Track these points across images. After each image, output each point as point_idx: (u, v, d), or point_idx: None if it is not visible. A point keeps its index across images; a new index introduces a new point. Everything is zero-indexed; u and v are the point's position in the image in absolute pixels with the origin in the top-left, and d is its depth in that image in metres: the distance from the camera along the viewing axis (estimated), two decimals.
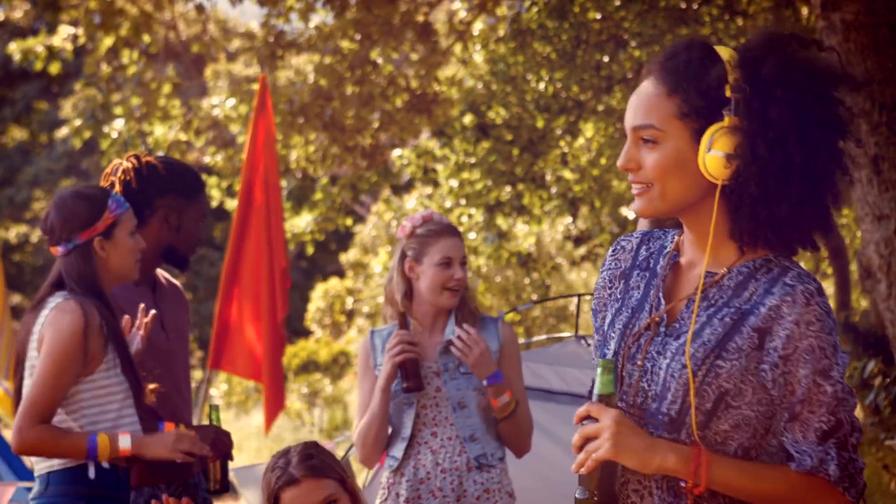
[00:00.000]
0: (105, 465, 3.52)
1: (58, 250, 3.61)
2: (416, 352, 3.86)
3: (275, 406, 7.58)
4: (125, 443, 3.48)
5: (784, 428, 2.18)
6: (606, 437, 2.10)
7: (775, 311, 2.15)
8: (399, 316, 3.92)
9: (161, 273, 4.13)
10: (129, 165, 3.92)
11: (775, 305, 2.15)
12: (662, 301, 2.28)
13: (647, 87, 2.24)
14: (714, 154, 2.15)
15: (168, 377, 3.91)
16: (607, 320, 2.36)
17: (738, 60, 2.18)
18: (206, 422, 4.03)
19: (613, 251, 2.42)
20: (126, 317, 3.75)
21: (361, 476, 7.40)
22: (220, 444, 3.83)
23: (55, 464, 3.53)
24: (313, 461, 3.12)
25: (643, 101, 2.23)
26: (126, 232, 3.66)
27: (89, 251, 3.59)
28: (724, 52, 2.20)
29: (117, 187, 3.89)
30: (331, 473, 3.12)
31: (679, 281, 2.31)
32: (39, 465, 3.60)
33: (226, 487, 3.87)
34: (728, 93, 2.16)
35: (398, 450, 3.97)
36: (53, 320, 3.50)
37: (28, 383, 3.54)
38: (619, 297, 2.37)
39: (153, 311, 3.78)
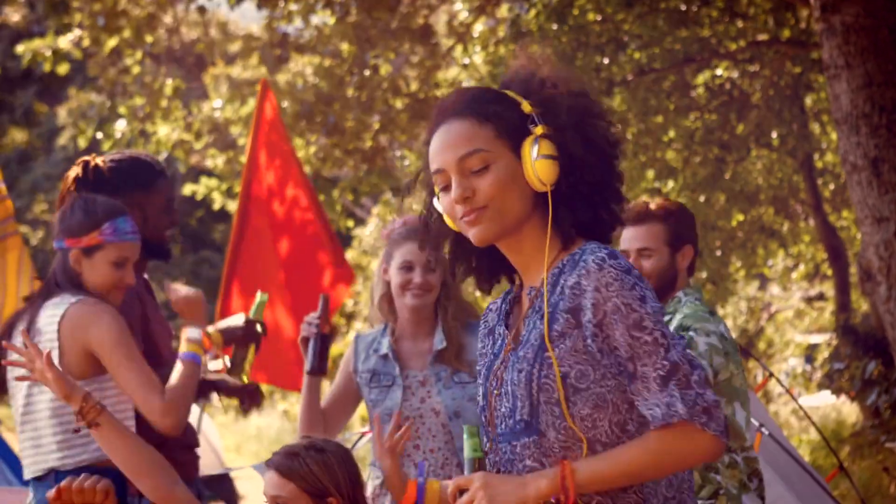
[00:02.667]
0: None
1: (55, 243, 3.65)
2: (312, 332, 3.85)
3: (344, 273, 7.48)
4: (193, 333, 3.65)
5: (632, 392, 2.23)
6: (480, 498, 2.20)
7: (577, 288, 2.23)
8: (322, 299, 3.94)
9: (146, 281, 4.11)
10: (73, 175, 3.87)
11: (575, 283, 2.24)
12: (505, 332, 2.40)
13: (453, 126, 2.33)
14: (543, 158, 2.27)
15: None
16: (483, 370, 2.47)
17: (518, 86, 2.35)
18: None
19: (484, 316, 2.54)
20: None
21: None
22: (251, 330, 3.94)
23: (76, 461, 3.52)
24: (292, 461, 3.11)
25: (458, 136, 2.32)
26: (107, 260, 3.61)
27: (67, 259, 3.61)
28: (510, 93, 2.36)
29: (67, 198, 3.85)
30: (297, 480, 3.08)
31: (518, 309, 2.43)
32: (36, 466, 3.58)
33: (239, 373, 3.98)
34: (527, 108, 2.31)
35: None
36: (88, 321, 3.50)
37: (42, 387, 3.53)
38: (486, 352, 2.48)
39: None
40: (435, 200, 2.40)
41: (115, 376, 3.50)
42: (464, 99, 2.35)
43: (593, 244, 2.28)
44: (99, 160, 3.91)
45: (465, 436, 2.26)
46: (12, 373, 3.58)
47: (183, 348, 3.63)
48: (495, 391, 2.35)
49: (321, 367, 3.86)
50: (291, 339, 7.40)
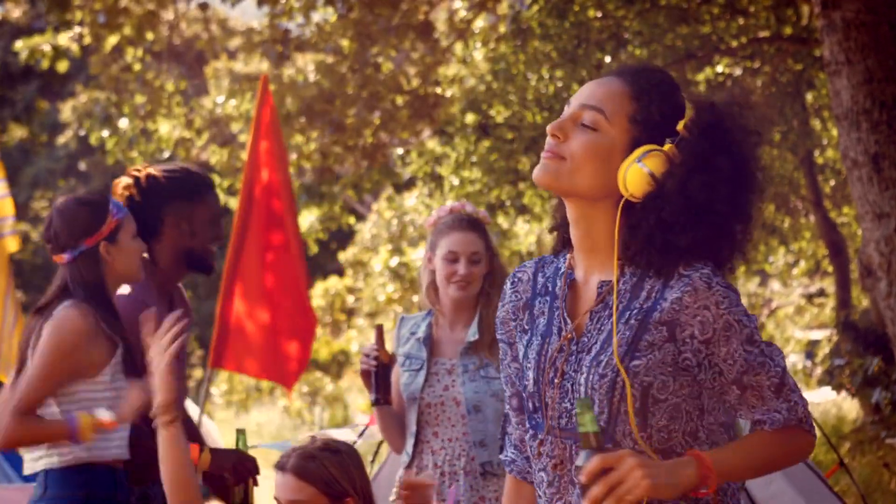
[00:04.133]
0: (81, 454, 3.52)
1: (63, 258, 3.61)
2: (370, 364, 3.84)
3: (294, 364, 7.51)
4: (104, 413, 3.48)
5: (739, 402, 2.26)
6: (640, 477, 2.06)
7: (678, 304, 2.20)
8: (376, 329, 3.90)
9: (181, 290, 4.13)
10: (130, 181, 3.92)
11: (677, 298, 2.21)
12: (568, 320, 2.31)
13: (613, 81, 2.29)
14: (641, 167, 2.21)
15: (183, 390, 3.92)
16: (521, 352, 2.39)
17: (702, 104, 2.27)
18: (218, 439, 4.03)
19: (512, 284, 2.44)
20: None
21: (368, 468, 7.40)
22: (242, 469, 3.82)
23: (65, 460, 3.53)
24: (309, 463, 3.10)
25: (603, 90, 2.28)
26: (129, 235, 3.67)
27: (95, 256, 3.59)
28: (688, 99, 2.30)
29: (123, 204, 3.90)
30: (316, 482, 3.08)
31: (578, 297, 2.34)
32: (32, 464, 3.59)
33: None
34: (680, 127, 2.24)
35: (409, 445, 3.96)
36: (55, 322, 3.52)
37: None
38: (526, 327, 2.39)
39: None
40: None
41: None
42: (648, 73, 2.31)
43: (696, 266, 2.23)
44: (151, 169, 3.95)
45: (577, 409, 2.09)
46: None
47: (80, 418, 3.46)
48: (555, 380, 2.29)
49: (386, 399, 3.87)
50: (282, 333, 7.43)
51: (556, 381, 2.28)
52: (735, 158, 2.24)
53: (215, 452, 3.81)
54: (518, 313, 2.41)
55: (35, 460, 3.60)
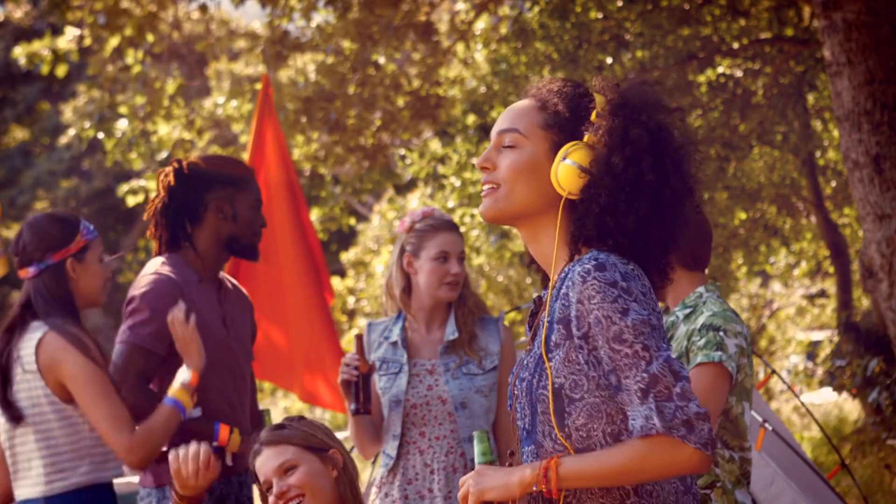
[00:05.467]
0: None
1: (28, 271, 3.61)
2: (352, 374, 3.84)
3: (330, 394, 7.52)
4: (184, 375, 3.60)
5: (620, 403, 2.25)
6: (469, 485, 2.27)
7: (565, 300, 2.26)
8: (356, 339, 3.91)
9: (228, 277, 4.15)
10: (171, 169, 3.95)
11: (564, 294, 2.27)
12: (528, 335, 2.43)
13: (520, 102, 2.41)
14: (568, 163, 2.28)
15: (226, 372, 3.92)
16: None
17: (608, 89, 2.34)
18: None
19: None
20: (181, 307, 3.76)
21: (365, 474, 7.41)
22: None
23: (65, 484, 3.52)
24: (280, 431, 3.13)
25: (514, 111, 2.39)
26: (96, 257, 3.68)
27: (62, 272, 3.60)
28: (597, 93, 2.35)
29: (162, 193, 3.92)
30: (294, 440, 3.09)
31: (542, 311, 2.42)
32: (40, 488, 3.56)
33: None
34: (593, 117, 2.32)
35: (391, 448, 3.97)
36: (57, 354, 3.50)
37: (32, 412, 3.54)
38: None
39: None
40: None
41: (84, 412, 3.51)
42: (549, 84, 2.40)
43: (590, 254, 2.28)
44: (194, 158, 4.00)
45: (475, 441, 2.34)
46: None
47: (171, 391, 3.60)
48: (516, 392, 2.39)
49: (366, 408, 3.87)
50: (285, 337, 7.43)
51: (516, 391, 2.39)
52: (649, 128, 2.28)
53: (245, 434, 3.84)
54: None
55: (31, 486, 3.57)
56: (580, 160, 2.28)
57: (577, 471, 2.21)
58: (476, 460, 2.36)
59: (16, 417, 3.55)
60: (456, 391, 3.92)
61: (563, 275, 2.31)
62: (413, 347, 4.02)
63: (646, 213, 2.26)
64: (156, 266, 3.88)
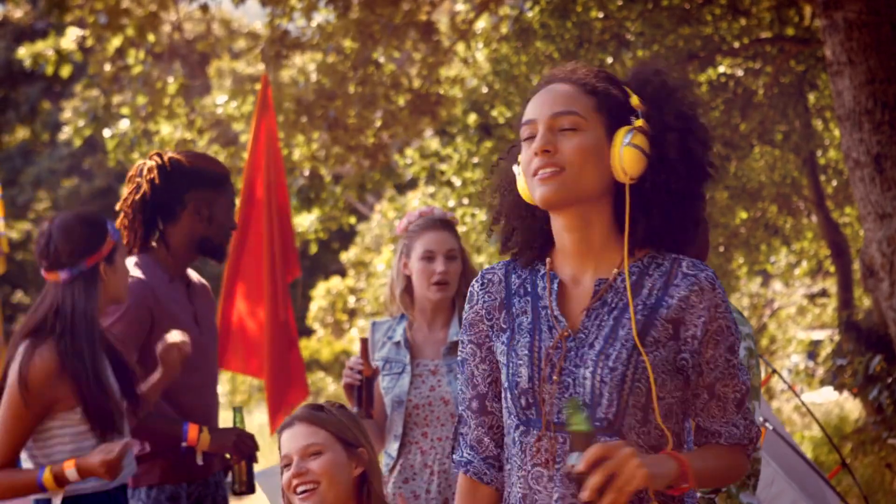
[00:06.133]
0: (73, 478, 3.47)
1: (59, 276, 3.51)
2: (355, 378, 3.82)
3: (284, 404, 7.58)
4: (71, 473, 3.39)
5: (703, 409, 2.31)
6: (636, 466, 2.07)
7: (685, 302, 2.25)
8: (361, 342, 3.89)
9: (190, 271, 4.15)
10: (154, 164, 3.92)
11: (684, 296, 2.26)
12: (562, 318, 2.32)
13: (560, 86, 2.34)
14: (633, 147, 2.26)
15: (198, 371, 3.92)
16: (500, 350, 2.40)
17: (636, 76, 2.38)
18: (230, 423, 4.03)
19: (483, 285, 2.45)
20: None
21: None
22: (243, 446, 3.83)
23: (69, 493, 3.50)
24: (318, 412, 3.06)
25: (560, 95, 2.32)
26: (122, 257, 3.64)
27: (95, 277, 3.53)
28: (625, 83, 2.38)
29: (144, 186, 3.90)
30: (328, 426, 3.03)
31: (567, 296, 2.36)
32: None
33: (251, 489, 3.88)
34: (635, 102, 2.31)
35: (392, 448, 3.97)
36: (13, 365, 3.45)
37: None
38: (504, 326, 2.40)
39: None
40: (515, 166, 2.40)
41: None
42: (576, 71, 2.38)
43: (687, 258, 2.31)
44: (174, 154, 3.96)
45: (567, 409, 2.12)
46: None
47: (49, 470, 3.40)
48: (553, 376, 2.29)
49: (369, 412, 3.85)
50: (258, 333, 7.45)
51: (553, 377, 2.29)
52: (679, 114, 2.32)
53: (215, 432, 3.82)
54: (493, 313, 2.43)
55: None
56: (641, 143, 2.26)
57: (698, 470, 2.22)
58: (573, 429, 2.10)
59: None
60: (458, 392, 3.92)
61: (638, 266, 2.31)
62: (416, 348, 4.02)
63: (696, 197, 2.32)
64: (128, 268, 3.84)
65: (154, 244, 3.97)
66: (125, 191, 4.00)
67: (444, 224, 4.03)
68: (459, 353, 2.49)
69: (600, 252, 2.33)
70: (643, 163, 2.26)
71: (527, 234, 2.42)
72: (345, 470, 3.03)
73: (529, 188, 2.33)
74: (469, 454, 2.48)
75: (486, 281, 2.46)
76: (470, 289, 2.48)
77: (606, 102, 2.30)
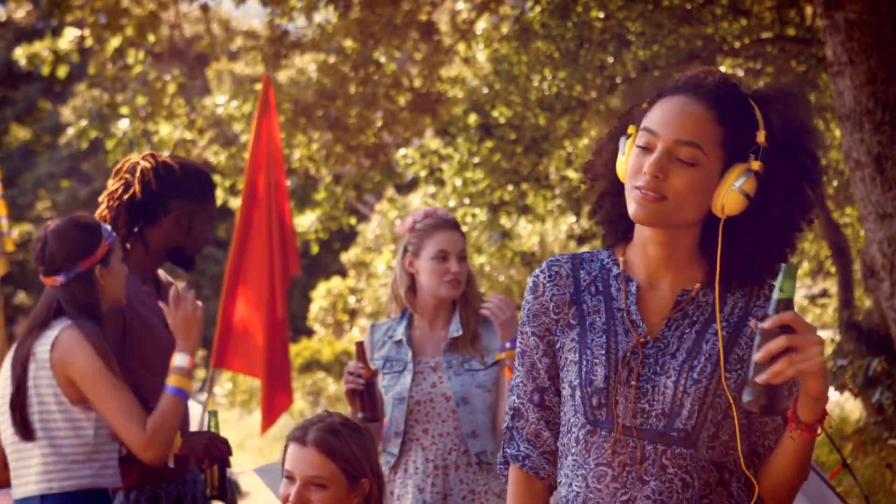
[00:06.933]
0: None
1: (56, 280, 3.60)
2: (358, 383, 3.81)
3: (274, 407, 7.59)
4: (181, 360, 3.61)
5: (772, 431, 2.30)
6: (817, 353, 2.06)
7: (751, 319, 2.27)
8: (356, 346, 3.88)
9: (162, 274, 4.14)
10: (148, 165, 3.92)
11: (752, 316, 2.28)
12: (642, 323, 2.32)
13: (695, 106, 2.27)
14: (740, 192, 2.24)
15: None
16: (565, 346, 2.38)
17: (771, 114, 2.29)
18: (205, 425, 4.02)
19: (550, 277, 2.42)
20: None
21: None
22: (214, 450, 3.82)
23: (65, 485, 3.52)
24: (332, 439, 3.02)
25: (691, 119, 2.26)
26: (118, 258, 3.68)
27: (90, 279, 3.59)
28: (759, 115, 2.30)
29: (136, 186, 3.90)
30: (339, 460, 3.00)
31: (644, 301, 2.36)
32: (25, 488, 3.57)
33: (223, 494, 3.86)
34: (761, 139, 2.26)
35: (394, 446, 3.98)
36: (72, 350, 3.50)
37: (38, 409, 3.54)
38: (573, 322, 2.38)
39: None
40: (622, 140, 2.36)
41: (97, 408, 3.52)
42: (719, 87, 2.30)
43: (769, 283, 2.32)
44: (167, 158, 3.96)
45: (781, 276, 2.09)
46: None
47: (169, 379, 3.59)
48: (631, 380, 2.28)
49: (375, 415, 3.84)
50: (259, 333, 7.46)
51: (632, 381, 2.29)
52: (805, 167, 2.28)
53: (186, 435, 3.81)
54: (562, 308, 2.40)
55: (29, 484, 3.58)
56: (750, 189, 2.24)
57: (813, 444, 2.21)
58: (778, 296, 2.09)
59: (26, 435, 3.56)
60: (458, 387, 3.94)
61: (739, 293, 2.32)
62: (417, 345, 4.04)
63: (784, 245, 2.30)
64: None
65: (128, 245, 3.96)
66: (111, 183, 3.98)
67: (455, 224, 4.06)
68: (518, 344, 2.45)
69: (681, 265, 2.34)
70: (744, 206, 2.25)
71: (613, 214, 2.40)
72: (342, 502, 3.03)
73: (627, 193, 2.31)
74: (526, 448, 2.45)
75: (553, 273, 2.42)
76: (534, 279, 2.43)
77: (733, 137, 2.26)
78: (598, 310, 2.36)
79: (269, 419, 7.63)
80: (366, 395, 3.82)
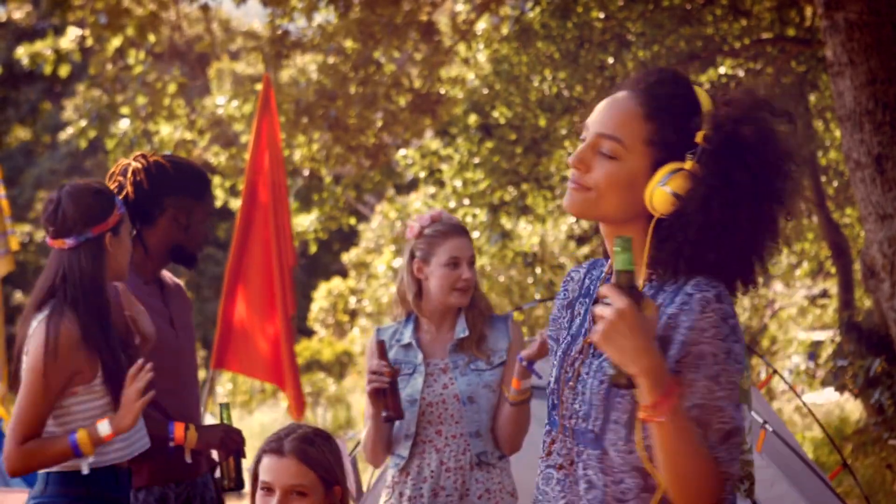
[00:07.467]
0: (87, 459, 3.49)
1: (65, 243, 3.54)
2: (383, 381, 3.80)
3: (299, 402, 7.61)
4: (104, 428, 3.42)
5: None
6: (600, 326, 2.07)
7: (674, 320, 2.18)
8: (378, 344, 3.88)
9: (164, 272, 4.14)
10: (139, 165, 3.91)
11: (674, 314, 2.18)
12: (588, 316, 2.33)
13: (626, 101, 2.26)
14: (665, 189, 2.19)
15: (177, 374, 3.92)
16: (559, 349, 2.40)
17: (717, 115, 2.22)
18: (217, 420, 4.03)
19: (565, 282, 2.46)
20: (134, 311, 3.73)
21: (366, 475, 7.41)
22: (230, 441, 3.84)
23: (62, 466, 3.52)
24: (308, 447, 3.07)
25: (618, 113, 2.25)
26: (127, 232, 3.65)
27: (99, 246, 3.55)
28: (704, 99, 2.25)
29: (128, 187, 3.89)
30: (317, 468, 3.05)
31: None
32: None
33: (240, 485, 3.88)
34: (699, 139, 2.20)
35: (404, 448, 3.97)
36: (35, 335, 3.47)
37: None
38: (566, 325, 2.41)
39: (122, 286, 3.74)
40: None
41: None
42: (659, 85, 2.27)
43: (705, 280, 2.20)
44: (159, 157, 3.95)
45: (616, 248, 2.10)
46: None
47: (80, 433, 3.42)
48: (570, 382, 2.29)
49: (400, 414, 3.83)
50: (260, 334, 7.46)
51: (571, 382, 2.30)
52: (754, 172, 2.19)
53: (201, 429, 3.82)
54: (562, 312, 2.44)
55: None
56: (678, 187, 2.19)
57: (677, 426, 2.08)
58: (617, 267, 2.10)
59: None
60: (464, 386, 3.93)
61: (657, 283, 2.25)
62: (426, 348, 4.03)
63: (730, 253, 2.20)
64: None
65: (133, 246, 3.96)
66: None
67: (464, 230, 4.05)
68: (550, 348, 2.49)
69: (637, 264, 2.27)
70: (674, 205, 2.19)
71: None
72: None
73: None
74: None
75: (568, 278, 2.47)
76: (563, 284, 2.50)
77: (663, 135, 2.23)
78: (580, 312, 2.39)
79: (299, 403, 7.64)
80: (390, 393, 3.82)
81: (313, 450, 3.07)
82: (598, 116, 2.27)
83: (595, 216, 2.28)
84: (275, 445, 3.07)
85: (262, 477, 3.06)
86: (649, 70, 2.32)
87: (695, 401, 2.14)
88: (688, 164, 2.20)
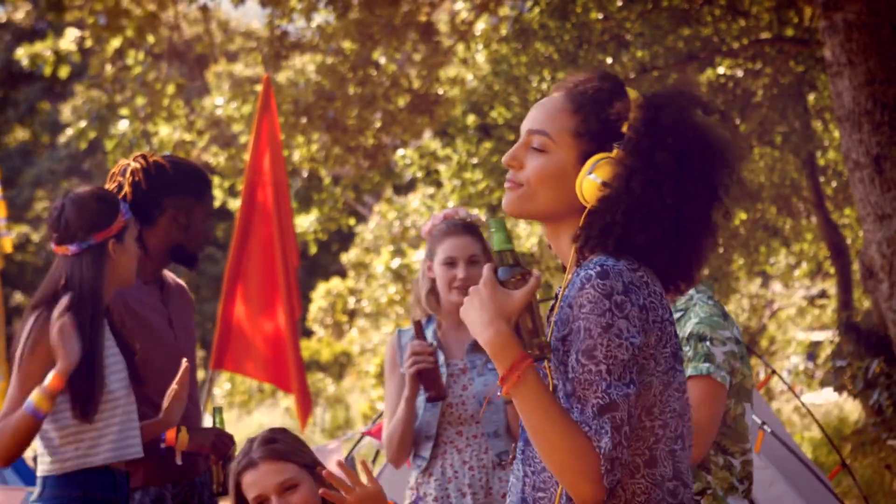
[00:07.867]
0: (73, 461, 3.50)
1: (68, 249, 3.55)
2: (429, 361, 3.79)
3: (306, 401, 7.61)
4: (48, 378, 3.39)
5: (570, 405, 2.17)
6: (467, 300, 2.22)
7: (566, 300, 2.22)
8: (415, 325, 3.87)
9: (166, 272, 4.14)
10: (138, 166, 3.91)
11: (566, 294, 2.23)
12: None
13: (556, 99, 2.34)
14: (592, 178, 2.24)
15: (175, 374, 3.92)
16: None
17: (643, 103, 2.28)
18: (210, 423, 4.03)
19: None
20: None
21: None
22: (222, 445, 3.83)
23: (52, 468, 3.52)
24: (274, 445, 3.12)
25: (545, 110, 2.33)
26: (132, 237, 3.65)
27: (102, 253, 3.56)
28: (633, 94, 2.31)
29: (126, 188, 3.89)
30: (293, 458, 3.10)
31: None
32: (40, 468, 3.59)
33: (227, 491, 3.87)
34: (624, 128, 2.26)
35: (425, 450, 3.95)
36: (24, 329, 3.49)
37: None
38: None
39: (186, 363, 3.75)
40: None
41: None
42: (586, 83, 2.34)
43: (598, 259, 2.22)
44: (158, 158, 3.95)
45: (491, 229, 2.22)
46: None
47: (31, 395, 3.41)
48: None
49: (445, 393, 3.83)
50: (259, 335, 7.46)
51: None
52: (675, 152, 2.23)
53: (193, 432, 3.81)
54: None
55: (41, 464, 3.59)
56: (603, 175, 2.23)
57: (530, 398, 2.13)
58: (494, 248, 2.25)
59: None
60: (481, 386, 3.93)
61: (573, 277, 2.27)
62: (447, 348, 4.02)
63: (659, 234, 2.22)
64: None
65: None
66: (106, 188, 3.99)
67: (467, 228, 4.01)
68: None
69: (565, 261, 2.34)
70: (603, 192, 2.23)
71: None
72: (317, 495, 3.10)
73: None
74: None
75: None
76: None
77: (588, 126, 2.28)
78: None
79: (305, 408, 7.64)
80: (433, 373, 3.80)
81: (279, 445, 3.13)
82: (530, 115, 2.36)
83: (531, 213, 2.32)
84: (246, 461, 3.13)
85: (251, 494, 3.10)
86: (582, 75, 2.38)
87: (571, 375, 2.16)
88: (613, 153, 2.25)
